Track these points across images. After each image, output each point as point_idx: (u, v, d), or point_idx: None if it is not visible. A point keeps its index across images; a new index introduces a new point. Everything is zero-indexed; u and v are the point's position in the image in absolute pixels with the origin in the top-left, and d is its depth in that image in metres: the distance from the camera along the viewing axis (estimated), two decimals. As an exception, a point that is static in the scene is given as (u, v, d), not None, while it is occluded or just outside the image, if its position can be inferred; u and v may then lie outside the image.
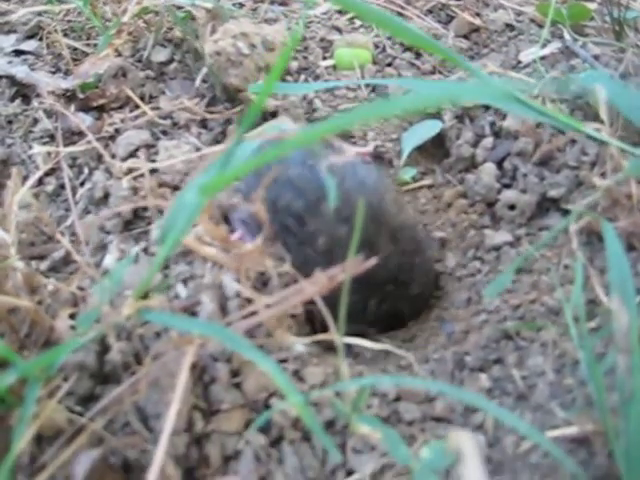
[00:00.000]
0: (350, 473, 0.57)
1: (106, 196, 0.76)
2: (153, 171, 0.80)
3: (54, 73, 0.91)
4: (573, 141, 0.79)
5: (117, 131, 0.84)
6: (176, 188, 0.76)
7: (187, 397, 0.56)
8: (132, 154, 0.81)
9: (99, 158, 0.82)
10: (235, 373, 0.60)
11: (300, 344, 0.58)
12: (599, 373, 0.55)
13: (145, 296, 0.59)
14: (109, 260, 0.66)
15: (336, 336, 0.53)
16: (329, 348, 0.62)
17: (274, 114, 0.86)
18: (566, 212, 0.74)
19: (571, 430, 0.57)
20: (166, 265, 0.67)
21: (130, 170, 0.77)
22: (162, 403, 0.55)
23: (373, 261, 0.54)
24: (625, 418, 0.52)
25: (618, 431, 0.52)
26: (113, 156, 0.82)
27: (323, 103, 0.89)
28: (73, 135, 0.84)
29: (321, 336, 0.56)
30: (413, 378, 0.62)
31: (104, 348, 0.58)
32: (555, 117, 0.62)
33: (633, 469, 0.51)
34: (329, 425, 0.59)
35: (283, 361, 0.61)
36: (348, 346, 0.58)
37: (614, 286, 0.56)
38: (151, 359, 0.57)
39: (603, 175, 0.74)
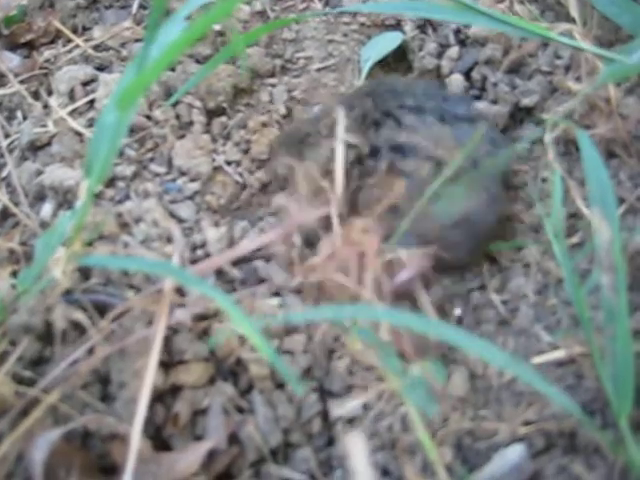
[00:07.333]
0: (327, 419, 0.55)
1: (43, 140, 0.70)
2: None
3: (-26, 9, 0.83)
4: (545, 44, 0.73)
5: (49, 69, 0.76)
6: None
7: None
8: (73, 90, 0.74)
9: (35, 98, 0.75)
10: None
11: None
12: (583, 292, 0.52)
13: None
14: (47, 210, 0.60)
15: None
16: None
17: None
18: (541, 121, 0.69)
19: (557, 354, 0.55)
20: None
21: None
22: (128, 372, 0.51)
23: None
24: (611, 338, 0.49)
25: (604, 352, 0.49)
26: (50, 94, 0.75)
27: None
28: (2, 77, 0.77)
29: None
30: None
31: (49, 307, 0.53)
32: (519, 25, 0.57)
33: (621, 390, 0.48)
34: (306, 373, 0.57)
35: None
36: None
37: (594, 199, 0.53)
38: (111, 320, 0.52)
39: (578, 79, 0.69)
